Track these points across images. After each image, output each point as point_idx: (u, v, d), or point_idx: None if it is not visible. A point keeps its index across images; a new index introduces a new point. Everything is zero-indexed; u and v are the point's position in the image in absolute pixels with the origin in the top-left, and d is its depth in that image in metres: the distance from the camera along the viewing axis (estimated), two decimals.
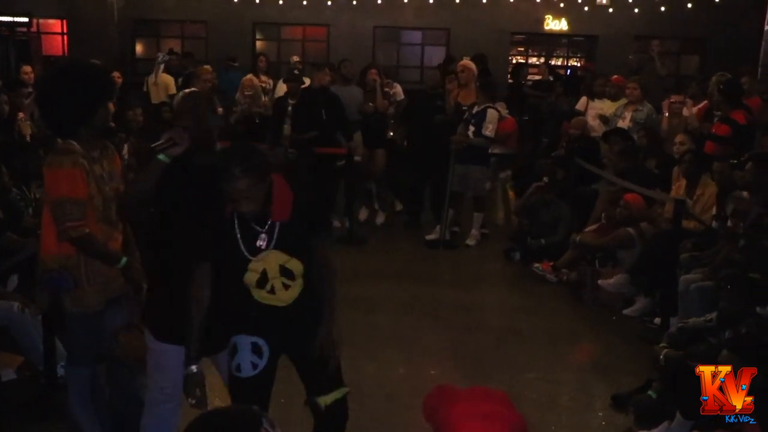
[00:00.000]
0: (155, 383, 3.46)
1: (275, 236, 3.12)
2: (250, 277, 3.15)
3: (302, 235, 3.17)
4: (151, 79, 10.97)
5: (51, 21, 16.16)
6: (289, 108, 8.12)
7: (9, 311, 4.78)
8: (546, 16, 15.97)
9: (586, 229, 7.48)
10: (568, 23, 15.71)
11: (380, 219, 9.34)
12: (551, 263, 7.45)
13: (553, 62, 16.41)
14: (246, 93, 8.90)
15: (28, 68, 9.78)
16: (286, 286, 3.18)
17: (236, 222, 3.12)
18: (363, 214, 9.36)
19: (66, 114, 3.52)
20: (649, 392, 4.66)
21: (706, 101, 8.81)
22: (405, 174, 9.18)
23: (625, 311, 6.50)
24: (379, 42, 15.89)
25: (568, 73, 15.08)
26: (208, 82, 8.43)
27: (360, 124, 8.84)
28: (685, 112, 8.96)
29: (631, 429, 4.50)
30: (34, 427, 4.44)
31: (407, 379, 4.98)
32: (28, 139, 7.18)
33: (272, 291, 3.18)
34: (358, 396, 4.92)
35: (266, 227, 3.12)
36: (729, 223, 5.82)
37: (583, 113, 9.35)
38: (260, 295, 3.19)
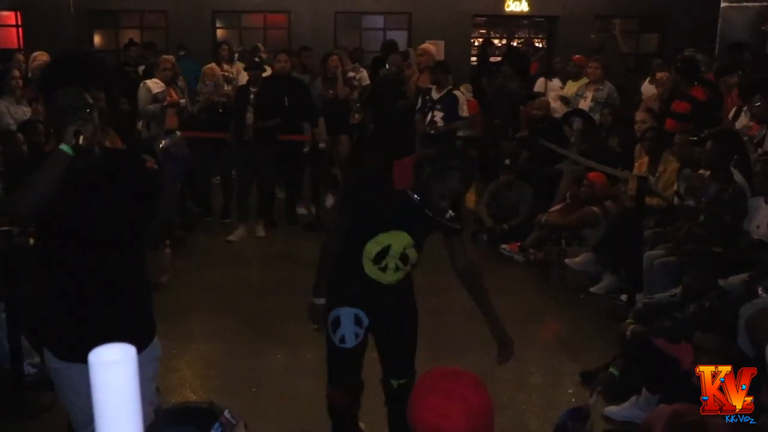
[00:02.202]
0: (76, 407, 2.91)
1: (410, 213, 3.28)
2: (371, 249, 3.34)
3: (428, 229, 3.40)
4: None
5: (5, 13, 15.82)
6: (252, 96, 8.07)
7: None
8: None
9: (552, 209, 7.55)
10: (529, 4, 15.72)
11: None
12: (518, 244, 7.51)
13: (515, 43, 16.45)
14: (207, 82, 8.80)
15: None
16: (397, 268, 3.40)
17: (387, 191, 3.27)
18: (329, 200, 9.34)
19: None
20: (611, 369, 4.72)
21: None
22: (370, 159, 9.17)
23: (592, 289, 6.58)
24: (341, 27, 15.79)
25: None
26: (168, 71, 8.34)
27: (322, 110, 8.81)
28: (646, 87, 9.04)
29: (598, 405, 4.55)
30: (1, 426, 4.39)
31: (377, 364, 4.99)
32: None
33: (384, 269, 3.39)
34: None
35: (413, 197, 3.27)
36: (685, 201, 5.90)
37: (535, 95, 9.41)
38: (371, 269, 3.38)
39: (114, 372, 0.94)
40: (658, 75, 9.04)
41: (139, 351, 3.10)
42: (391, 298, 3.50)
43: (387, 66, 9.72)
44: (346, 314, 3.46)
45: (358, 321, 3.47)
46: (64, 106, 2.78)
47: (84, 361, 2.50)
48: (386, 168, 3.39)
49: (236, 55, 11.34)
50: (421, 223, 3.35)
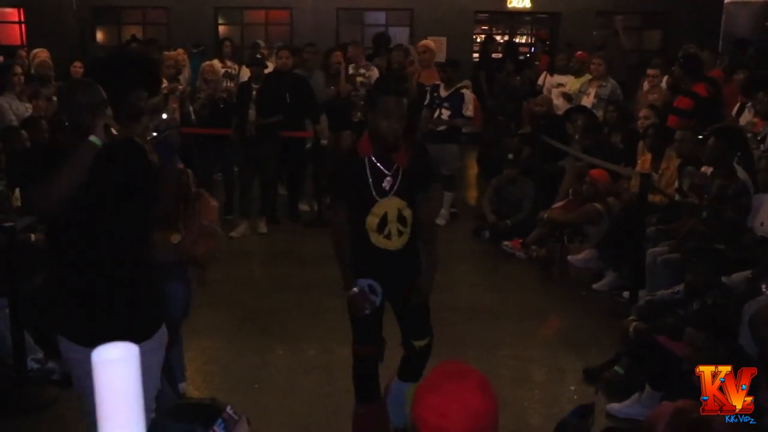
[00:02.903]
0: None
1: (398, 180, 3.61)
2: (371, 221, 3.63)
3: (415, 187, 3.68)
4: None
5: (8, 10, 15.83)
6: (253, 92, 8.06)
7: None
8: None
9: (554, 206, 7.54)
10: (531, 1, 15.71)
11: None
12: (520, 240, 7.50)
13: (517, 40, 16.44)
14: (207, 78, 8.80)
15: None
16: (399, 233, 3.67)
17: (367, 166, 3.60)
18: None
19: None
20: (616, 367, 4.72)
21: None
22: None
23: (594, 286, 6.58)
24: (343, 24, 15.78)
25: (532, 50, 15.13)
26: (171, 68, 8.34)
27: (324, 107, 8.80)
28: (663, 85, 9.00)
29: (600, 402, 4.55)
30: (5, 421, 4.40)
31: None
32: None
33: (388, 236, 3.67)
34: (331, 378, 4.95)
35: (392, 171, 3.61)
36: (688, 197, 5.89)
37: (541, 90, 9.41)
38: (377, 239, 3.67)
39: (117, 370, 0.94)
40: (650, 71, 9.00)
41: (150, 336, 2.98)
42: (400, 264, 3.74)
43: (378, 60, 9.73)
44: (361, 285, 3.72)
45: (372, 290, 3.73)
46: (81, 103, 2.93)
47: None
48: (354, 148, 3.74)
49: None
50: (405, 183, 3.64)
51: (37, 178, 2.79)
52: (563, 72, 9.69)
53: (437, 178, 3.80)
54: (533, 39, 15.10)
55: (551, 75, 9.87)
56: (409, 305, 3.85)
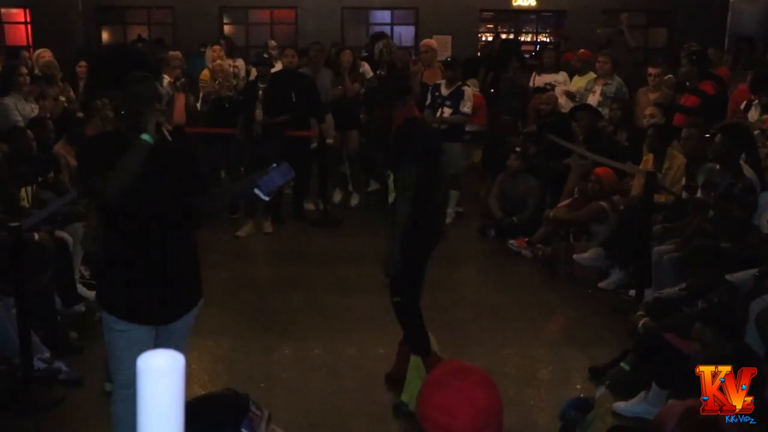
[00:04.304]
0: (126, 364, 3.28)
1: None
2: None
3: (395, 162, 4.27)
4: None
5: (14, 10, 15.87)
6: (260, 92, 8.07)
7: None
8: None
9: (559, 204, 7.53)
10: None
11: (354, 201, 9.34)
12: (526, 239, 7.49)
13: (522, 38, 16.41)
14: (218, 77, 8.83)
15: None
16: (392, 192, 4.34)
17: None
18: (337, 197, 9.35)
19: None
20: (622, 364, 4.71)
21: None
22: (379, 154, 9.15)
23: (600, 284, 6.56)
24: (348, 23, 15.79)
25: (536, 48, 15.10)
26: (177, 68, 8.36)
27: (331, 106, 8.80)
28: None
29: (606, 401, 4.55)
30: (11, 421, 4.41)
31: (386, 359, 5.00)
32: None
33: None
34: (337, 377, 4.95)
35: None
36: (699, 194, 5.86)
37: (535, 90, 9.39)
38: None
39: (162, 380, 0.93)
40: (651, 70, 8.85)
41: (189, 310, 3.38)
42: None
43: (375, 57, 9.75)
44: None
45: None
46: (141, 94, 3.19)
47: (144, 323, 2.99)
48: None
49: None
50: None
51: (99, 169, 3.09)
52: (553, 71, 9.67)
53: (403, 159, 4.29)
54: (553, 37, 15.01)
55: (539, 74, 9.82)
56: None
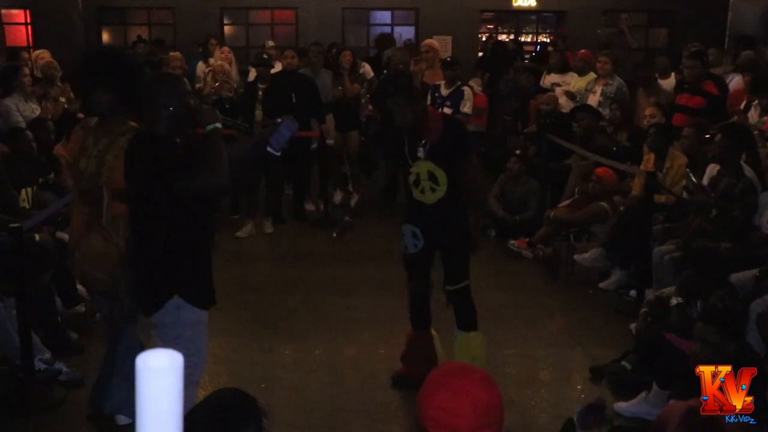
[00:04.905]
0: (202, 353, 3.62)
1: (427, 150, 4.39)
2: (410, 178, 4.47)
3: (448, 154, 4.39)
4: None
5: (14, 11, 15.88)
6: (260, 92, 8.07)
7: None
8: None
9: (560, 205, 7.53)
10: None
11: (355, 201, 9.33)
12: (527, 240, 7.49)
13: (522, 38, 16.41)
14: (219, 78, 8.84)
15: None
16: (432, 189, 4.44)
17: (406, 138, 4.43)
18: (338, 197, 9.35)
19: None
20: (624, 363, 4.71)
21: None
22: (379, 155, 9.15)
23: (601, 285, 6.56)
24: (348, 23, 15.79)
25: (537, 49, 15.10)
26: (177, 68, 8.36)
27: (331, 107, 8.80)
28: (666, 85, 8.93)
29: (607, 400, 4.54)
30: (13, 422, 4.41)
31: (386, 360, 5.01)
32: None
33: (423, 191, 4.45)
34: (338, 377, 4.95)
35: (422, 142, 4.40)
36: (702, 194, 5.85)
37: (545, 90, 9.38)
38: (416, 193, 4.50)
39: (161, 379, 0.93)
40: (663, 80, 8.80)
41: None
42: (436, 216, 4.48)
43: (383, 60, 9.73)
44: (406, 229, 4.61)
45: (414, 234, 4.57)
46: (187, 91, 3.48)
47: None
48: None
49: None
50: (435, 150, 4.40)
51: (196, 166, 3.26)
52: (561, 71, 9.68)
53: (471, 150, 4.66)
54: (553, 37, 14.99)
55: (548, 74, 9.85)
56: (447, 255, 4.59)
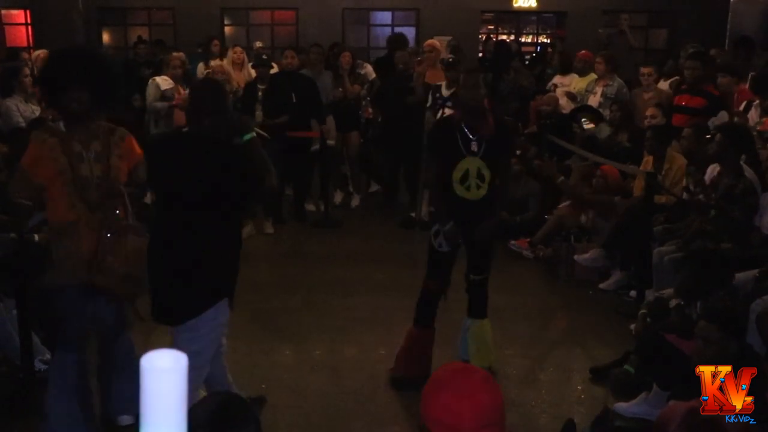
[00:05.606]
0: (210, 350, 3.68)
1: (482, 146, 4.50)
2: (456, 174, 4.51)
3: (497, 154, 4.55)
4: None
5: (14, 11, 15.89)
6: (260, 93, 8.07)
7: None
8: None
9: (561, 205, 7.53)
10: (537, 0, 15.70)
11: (355, 202, 9.34)
12: (527, 240, 7.49)
13: (523, 39, 16.41)
14: (219, 78, 8.83)
15: None
16: (477, 186, 4.54)
17: (458, 133, 4.53)
18: (338, 198, 9.35)
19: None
20: (626, 366, 4.71)
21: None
22: (379, 156, 9.16)
23: (601, 285, 6.56)
24: (349, 24, 15.79)
25: (537, 49, 15.10)
26: (178, 68, 8.35)
27: (332, 108, 8.80)
28: (661, 85, 8.90)
29: (608, 401, 4.55)
30: (12, 423, 4.40)
31: (386, 360, 5.00)
32: None
33: (469, 188, 4.53)
34: (338, 378, 4.95)
35: (477, 137, 4.51)
36: (702, 196, 5.85)
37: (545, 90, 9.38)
38: (460, 189, 4.55)
39: (166, 379, 0.93)
40: (644, 70, 8.69)
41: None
42: (476, 212, 4.56)
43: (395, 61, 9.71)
44: (445, 227, 4.59)
45: (447, 233, 4.61)
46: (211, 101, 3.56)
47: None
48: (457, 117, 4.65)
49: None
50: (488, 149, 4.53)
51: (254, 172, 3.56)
52: (563, 72, 9.68)
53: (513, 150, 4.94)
54: (551, 38, 15.00)
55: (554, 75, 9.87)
56: (473, 238, 4.62)
